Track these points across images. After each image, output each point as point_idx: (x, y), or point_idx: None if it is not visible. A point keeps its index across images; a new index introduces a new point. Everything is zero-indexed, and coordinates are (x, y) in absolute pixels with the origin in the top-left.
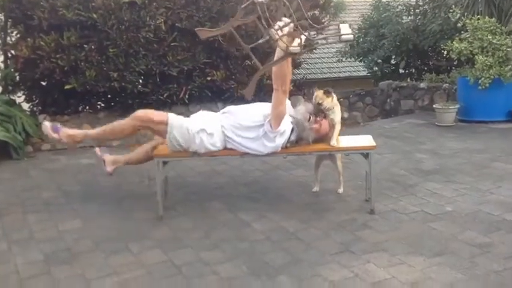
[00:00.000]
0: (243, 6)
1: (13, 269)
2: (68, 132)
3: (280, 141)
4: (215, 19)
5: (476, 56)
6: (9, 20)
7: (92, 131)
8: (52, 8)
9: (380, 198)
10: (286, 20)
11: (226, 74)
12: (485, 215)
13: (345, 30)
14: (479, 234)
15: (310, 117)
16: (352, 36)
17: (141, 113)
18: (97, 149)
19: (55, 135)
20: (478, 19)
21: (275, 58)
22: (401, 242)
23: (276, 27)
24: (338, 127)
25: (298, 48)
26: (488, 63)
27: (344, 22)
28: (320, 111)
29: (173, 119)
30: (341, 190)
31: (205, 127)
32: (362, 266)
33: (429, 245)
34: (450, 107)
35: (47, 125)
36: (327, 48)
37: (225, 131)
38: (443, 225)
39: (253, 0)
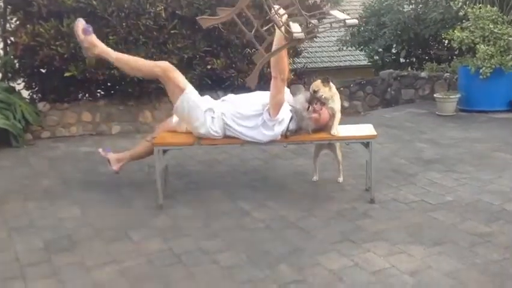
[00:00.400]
0: None
1: (13, 257)
2: (93, 40)
3: (279, 129)
4: (214, 6)
5: (477, 46)
6: (9, 6)
7: (115, 53)
8: None
9: (380, 187)
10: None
11: (227, 63)
12: (486, 205)
13: (296, 29)
14: (480, 224)
15: (309, 107)
16: (356, 20)
17: (169, 66)
18: (100, 150)
19: (81, 35)
20: (480, 8)
21: (274, 45)
22: (401, 231)
23: (273, 12)
24: (338, 115)
25: (303, 34)
26: (490, 53)
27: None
28: (315, 99)
29: (191, 91)
30: (340, 179)
31: (213, 108)
32: (362, 255)
33: (429, 235)
34: (451, 97)
35: (81, 21)
36: (328, 37)
37: (225, 118)
38: (443, 214)
39: None
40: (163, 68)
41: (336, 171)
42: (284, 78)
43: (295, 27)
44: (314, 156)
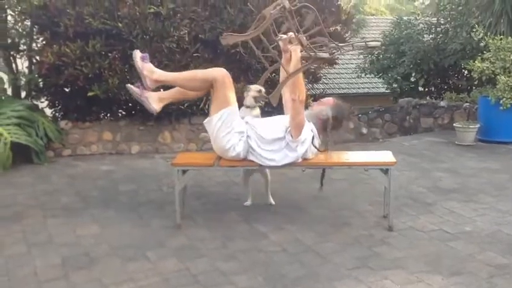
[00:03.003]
0: (272, 11)
1: (32, 271)
2: (151, 67)
3: (302, 150)
4: (238, 31)
5: (498, 76)
6: (36, 26)
7: (171, 73)
8: (78, 16)
9: (398, 215)
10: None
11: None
12: (505, 236)
13: None
14: (498, 255)
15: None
16: (379, 42)
17: (227, 75)
18: (131, 86)
19: (140, 63)
20: (501, 39)
21: (292, 67)
22: (419, 260)
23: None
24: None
25: (327, 54)
26: (511, 84)
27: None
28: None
29: (234, 110)
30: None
31: (244, 133)
32: (379, 282)
33: (447, 264)
34: (470, 126)
35: (137, 52)
36: (347, 63)
37: (250, 141)
38: (462, 244)
39: (283, 6)
40: (224, 73)
41: (266, 195)
42: (302, 99)
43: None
44: (245, 181)
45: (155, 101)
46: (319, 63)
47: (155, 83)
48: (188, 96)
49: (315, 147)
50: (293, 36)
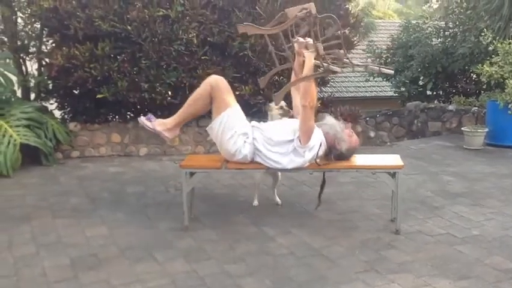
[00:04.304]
0: (298, 13)
1: (41, 272)
2: (160, 121)
3: (309, 156)
4: (246, 35)
5: (506, 81)
6: (45, 29)
7: (179, 112)
8: (88, 19)
9: (405, 218)
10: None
11: (255, 89)
12: None
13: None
14: (506, 260)
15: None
16: (393, 71)
17: (220, 81)
18: (143, 120)
19: (149, 124)
20: (510, 43)
21: (305, 71)
22: (427, 263)
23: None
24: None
25: (338, 68)
26: None
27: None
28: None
29: (235, 111)
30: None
31: (248, 134)
32: (386, 286)
33: (455, 268)
34: (479, 131)
35: (141, 118)
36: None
37: (257, 143)
38: (469, 248)
39: (310, 11)
40: (216, 78)
41: (273, 194)
42: (313, 105)
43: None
44: (258, 184)
45: (167, 131)
46: (328, 75)
47: (174, 130)
48: (199, 113)
49: (317, 155)
50: (311, 42)
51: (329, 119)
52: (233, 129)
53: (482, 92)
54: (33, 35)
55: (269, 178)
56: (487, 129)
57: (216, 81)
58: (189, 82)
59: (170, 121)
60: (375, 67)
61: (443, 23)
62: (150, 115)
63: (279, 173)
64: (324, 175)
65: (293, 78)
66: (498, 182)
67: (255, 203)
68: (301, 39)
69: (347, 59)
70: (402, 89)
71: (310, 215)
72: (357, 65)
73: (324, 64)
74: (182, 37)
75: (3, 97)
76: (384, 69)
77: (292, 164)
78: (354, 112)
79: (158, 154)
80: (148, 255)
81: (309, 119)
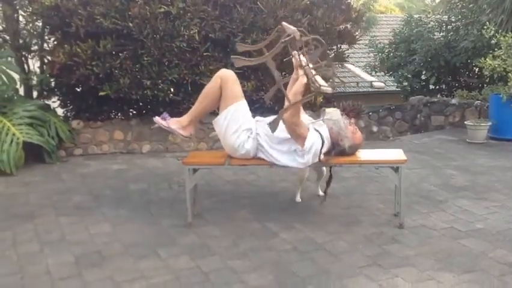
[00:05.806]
0: (282, 40)
1: (45, 270)
2: (175, 119)
3: (309, 157)
4: (247, 30)
5: (509, 74)
6: (47, 27)
7: (192, 110)
8: (90, 16)
9: (409, 213)
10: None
11: (257, 85)
12: None
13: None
14: (510, 253)
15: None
16: (383, 84)
17: (230, 75)
18: (158, 119)
19: (165, 123)
20: None
21: (298, 85)
22: (430, 257)
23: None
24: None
25: (330, 89)
26: None
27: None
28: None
29: (241, 105)
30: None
31: (252, 130)
32: (390, 280)
33: (458, 262)
34: (482, 124)
35: (157, 118)
36: (357, 62)
37: (260, 139)
38: (473, 242)
39: (294, 37)
40: (225, 71)
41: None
42: (294, 122)
43: (320, 80)
44: (302, 180)
45: (182, 129)
46: (317, 95)
47: (188, 128)
48: (212, 107)
49: (320, 152)
50: (304, 63)
51: (335, 114)
52: (238, 123)
53: (485, 85)
54: (35, 33)
55: (273, 174)
56: (490, 123)
57: (225, 73)
58: (191, 79)
59: (184, 119)
60: (367, 83)
61: (446, 16)
62: (165, 114)
63: (324, 168)
64: (330, 170)
65: (289, 89)
66: (501, 175)
67: (298, 198)
68: (296, 56)
69: (337, 77)
70: (405, 83)
71: (313, 210)
72: (348, 83)
73: (316, 85)
74: (184, 33)
75: (6, 95)
76: (375, 83)
77: (294, 163)
78: (356, 107)
79: (161, 151)
80: (151, 252)
81: (293, 131)
